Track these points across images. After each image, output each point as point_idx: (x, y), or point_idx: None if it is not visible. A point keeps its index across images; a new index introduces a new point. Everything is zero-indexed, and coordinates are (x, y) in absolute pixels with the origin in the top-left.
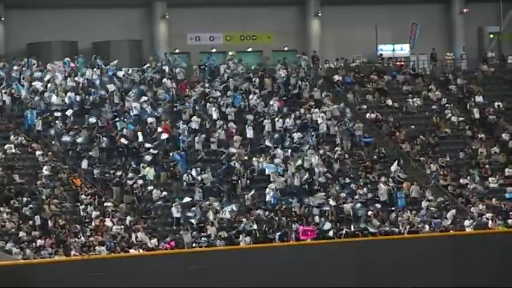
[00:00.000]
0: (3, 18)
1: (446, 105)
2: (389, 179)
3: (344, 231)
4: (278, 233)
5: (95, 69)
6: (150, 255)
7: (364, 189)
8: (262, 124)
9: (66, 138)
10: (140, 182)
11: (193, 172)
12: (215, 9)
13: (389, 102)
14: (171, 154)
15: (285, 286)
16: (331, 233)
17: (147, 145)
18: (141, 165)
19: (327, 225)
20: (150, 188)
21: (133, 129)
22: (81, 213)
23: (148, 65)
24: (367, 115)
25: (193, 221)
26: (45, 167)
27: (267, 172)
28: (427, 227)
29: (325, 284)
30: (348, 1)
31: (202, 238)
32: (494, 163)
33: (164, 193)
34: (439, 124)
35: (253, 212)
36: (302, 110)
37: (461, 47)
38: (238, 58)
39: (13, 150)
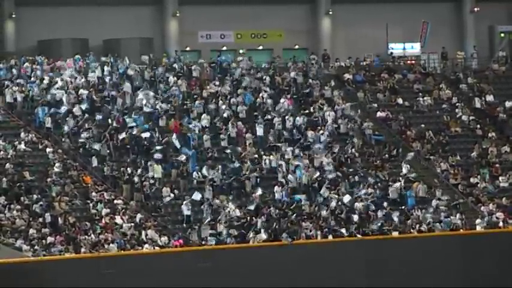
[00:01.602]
0: (14, 16)
1: (457, 104)
2: (400, 178)
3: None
4: (287, 232)
5: (105, 66)
6: (159, 253)
7: (375, 187)
8: (273, 122)
9: (79, 137)
10: (150, 180)
11: (203, 170)
12: (226, 7)
13: (400, 100)
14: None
15: (295, 284)
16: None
17: (157, 143)
18: (149, 163)
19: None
20: (159, 185)
21: (143, 126)
22: (91, 210)
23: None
24: (378, 113)
25: (203, 218)
26: (55, 165)
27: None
28: (437, 225)
29: (336, 282)
30: None
31: (212, 236)
32: (505, 162)
33: (175, 191)
34: (449, 123)
35: (262, 211)
36: (312, 109)
37: (472, 46)
38: (249, 56)
39: (24, 147)
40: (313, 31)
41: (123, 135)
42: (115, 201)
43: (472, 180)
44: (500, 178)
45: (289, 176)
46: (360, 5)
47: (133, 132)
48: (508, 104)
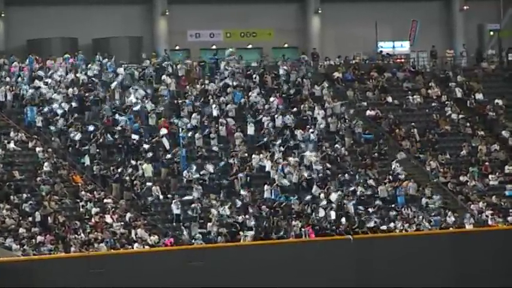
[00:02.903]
0: (3, 15)
1: (446, 102)
2: (390, 176)
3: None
4: (276, 231)
5: (95, 65)
6: (149, 252)
7: (364, 186)
8: (262, 121)
9: (67, 135)
10: (140, 178)
11: (193, 169)
12: (215, 6)
13: (390, 99)
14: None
15: (285, 283)
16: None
17: (147, 142)
18: (138, 162)
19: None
20: (149, 184)
21: (133, 125)
22: (81, 209)
23: (147, 61)
24: (367, 112)
25: (193, 218)
26: (45, 164)
27: (267, 169)
28: (427, 224)
29: (327, 282)
30: None
31: (202, 235)
32: (494, 160)
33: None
34: (439, 121)
35: (252, 210)
36: (302, 107)
37: (461, 44)
38: (239, 55)
39: (13, 147)
40: (303, 30)
41: (112, 134)
42: (105, 200)
43: (461, 178)
44: (489, 176)
45: (279, 175)
46: (349, 4)
47: (123, 131)
48: (497, 102)
